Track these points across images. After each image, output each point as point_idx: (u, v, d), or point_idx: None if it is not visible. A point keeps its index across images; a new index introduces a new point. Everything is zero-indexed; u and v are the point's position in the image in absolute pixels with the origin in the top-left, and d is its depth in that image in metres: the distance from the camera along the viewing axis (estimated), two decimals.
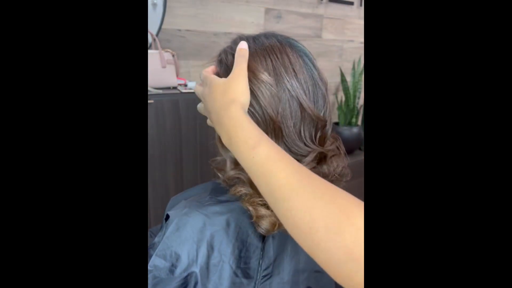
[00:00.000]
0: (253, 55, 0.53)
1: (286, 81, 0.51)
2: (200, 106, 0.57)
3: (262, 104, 0.51)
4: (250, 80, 0.51)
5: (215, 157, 0.61)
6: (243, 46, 0.53)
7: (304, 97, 0.52)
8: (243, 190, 0.53)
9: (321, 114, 0.54)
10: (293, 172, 0.40)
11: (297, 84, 0.51)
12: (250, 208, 0.51)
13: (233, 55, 0.54)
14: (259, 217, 0.51)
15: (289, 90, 0.51)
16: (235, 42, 0.56)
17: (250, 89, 0.50)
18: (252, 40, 0.55)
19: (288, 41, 0.56)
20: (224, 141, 0.48)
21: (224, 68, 0.55)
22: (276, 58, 0.52)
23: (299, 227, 0.38)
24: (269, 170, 0.41)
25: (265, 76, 0.51)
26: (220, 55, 0.58)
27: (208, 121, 0.56)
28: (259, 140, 0.43)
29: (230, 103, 0.47)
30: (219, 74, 0.56)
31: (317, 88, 0.54)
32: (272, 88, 0.50)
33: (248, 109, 0.50)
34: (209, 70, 0.57)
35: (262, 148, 0.42)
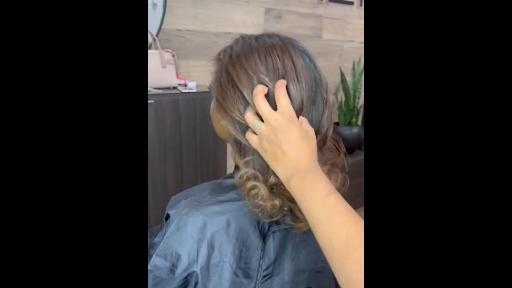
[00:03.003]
0: (254, 54, 0.52)
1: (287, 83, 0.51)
2: (254, 138, 0.51)
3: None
4: (250, 80, 0.51)
5: (215, 157, 0.60)
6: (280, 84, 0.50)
7: (299, 102, 0.51)
8: (258, 189, 0.52)
9: (320, 118, 0.54)
10: (358, 225, 0.42)
11: (297, 85, 0.51)
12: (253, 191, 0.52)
13: (230, 55, 0.54)
14: (265, 200, 0.51)
15: (289, 91, 0.51)
16: (237, 42, 0.56)
17: (250, 89, 0.51)
18: (255, 39, 0.55)
19: (291, 41, 0.55)
20: (293, 182, 0.48)
21: (224, 68, 0.55)
22: (278, 58, 0.51)
23: (353, 284, 0.39)
24: (335, 221, 0.43)
25: (264, 77, 0.50)
26: (220, 53, 0.57)
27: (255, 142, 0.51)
28: (332, 190, 0.46)
29: (313, 149, 0.50)
30: (219, 72, 0.56)
31: (317, 90, 0.53)
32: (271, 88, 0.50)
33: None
34: (286, 97, 0.50)
35: (334, 199, 0.45)
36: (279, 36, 0.55)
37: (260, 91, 0.49)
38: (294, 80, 0.51)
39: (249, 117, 0.50)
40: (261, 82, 0.50)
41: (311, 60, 0.54)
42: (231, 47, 0.56)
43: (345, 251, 0.41)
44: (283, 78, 0.51)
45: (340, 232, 0.42)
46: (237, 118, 0.52)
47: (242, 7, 1.91)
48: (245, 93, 0.51)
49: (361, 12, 2.60)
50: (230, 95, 0.52)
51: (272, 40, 0.54)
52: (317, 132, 0.53)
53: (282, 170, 0.49)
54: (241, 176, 0.53)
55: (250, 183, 0.52)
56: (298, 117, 0.51)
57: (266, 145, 0.49)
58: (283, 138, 0.48)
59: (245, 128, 0.52)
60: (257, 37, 0.55)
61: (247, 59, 0.52)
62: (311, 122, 0.52)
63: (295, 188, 0.47)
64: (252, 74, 0.51)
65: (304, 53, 0.54)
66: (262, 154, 0.51)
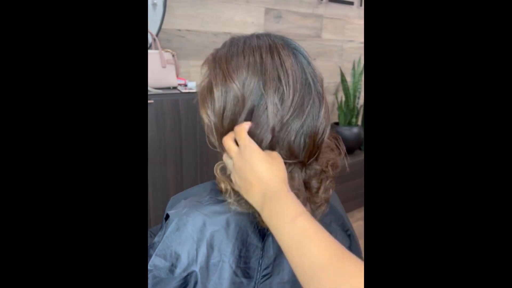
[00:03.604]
0: (239, 55, 0.52)
1: (267, 82, 0.49)
2: (230, 163, 0.53)
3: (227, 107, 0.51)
4: (224, 81, 0.51)
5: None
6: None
7: (279, 106, 0.49)
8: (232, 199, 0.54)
9: (317, 113, 0.52)
10: (326, 248, 0.41)
11: (283, 85, 0.50)
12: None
13: (214, 57, 0.54)
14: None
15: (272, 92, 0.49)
16: (224, 44, 0.55)
17: (225, 88, 0.51)
18: (243, 41, 0.54)
19: (282, 39, 0.54)
20: (264, 212, 0.47)
21: (208, 70, 0.55)
22: (261, 58, 0.50)
23: None
24: (304, 245, 0.41)
25: (241, 81, 0.50)
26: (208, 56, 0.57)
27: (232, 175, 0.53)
28: (300, 212, 0.44)
29: (278, 173, 0.48)
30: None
31: (309, 86, 0.52)
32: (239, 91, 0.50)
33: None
34: (244, 133, 0.50)
35: (301, 221, 0.43)
36: (269, 36, 0.54)
37: (229, 136, 0.51)
38: (279, 79, 0.49)
39: (224, 157, 0.53)
40: (237, 85, 0.50)
41: (304, 57, 0.53)
42: (218, 50, 0.55)
43: (318, 272, 0.39)
44: (264, 77, 0.50)
45: (311, 253, 0.40)
46: (204, 116, 0.54)
47: (242, 7, 1.91)
48: (214, 90, 0.51)
49: (361, 12, 2.60)
50: (206, 96, 0.53)
51: (260, 41, 0.53)
52: (315, 129, 0.53)
53: (254, 202, 0.49)
54: (215, 169, 0.56)
55: (218, 177, 0.56)
56: (292, 113, 0.50)
57: (238, 180, 0.50)
58: (248, 169, 0.48)
59: (210, 130, 0.55)
60: (245, 38, 0.54)
61: (229, 61, 0.51)
62: (307, 119, 0.51)
63: (267, 218, 0.47)
64: (226, 76, 0.50)
65: (296, 49, 0.53)
66: (239, 191, 0.52)
